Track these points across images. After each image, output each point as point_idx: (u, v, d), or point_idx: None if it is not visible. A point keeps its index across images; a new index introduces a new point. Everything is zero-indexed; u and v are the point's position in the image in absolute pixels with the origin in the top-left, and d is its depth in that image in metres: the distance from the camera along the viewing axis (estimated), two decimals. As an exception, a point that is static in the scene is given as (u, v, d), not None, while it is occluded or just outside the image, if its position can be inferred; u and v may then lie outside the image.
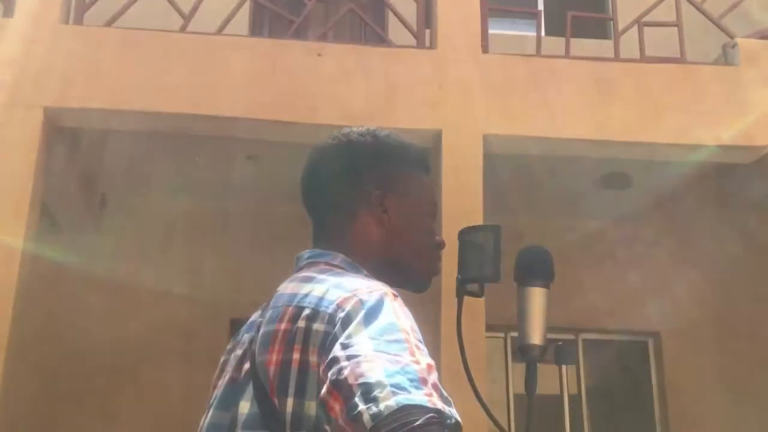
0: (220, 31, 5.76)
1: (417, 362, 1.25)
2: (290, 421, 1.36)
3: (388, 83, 5.69)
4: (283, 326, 1.42)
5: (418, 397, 1.19)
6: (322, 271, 1.52)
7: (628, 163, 6.33)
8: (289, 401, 1.36)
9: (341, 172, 1.66)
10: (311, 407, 1.33)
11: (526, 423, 1.89)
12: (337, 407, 1.23)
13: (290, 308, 1.44)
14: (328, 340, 1.34)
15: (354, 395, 1.21)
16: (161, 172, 6.65)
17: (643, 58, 6.07)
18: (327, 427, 1.27)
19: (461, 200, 5.54)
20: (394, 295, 1.42)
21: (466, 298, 1.90)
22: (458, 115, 5.70)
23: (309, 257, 1.61)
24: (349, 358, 1.26)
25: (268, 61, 5.70)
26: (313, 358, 1.35)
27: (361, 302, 1.37)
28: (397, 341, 1.28)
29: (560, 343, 2.08)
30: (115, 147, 6.23)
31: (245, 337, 1.56)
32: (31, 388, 6.35)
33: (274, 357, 1.40)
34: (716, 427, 6.95)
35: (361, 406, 1.19)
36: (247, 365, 1.47)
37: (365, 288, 1.41)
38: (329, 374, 1.27)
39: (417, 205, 1.68)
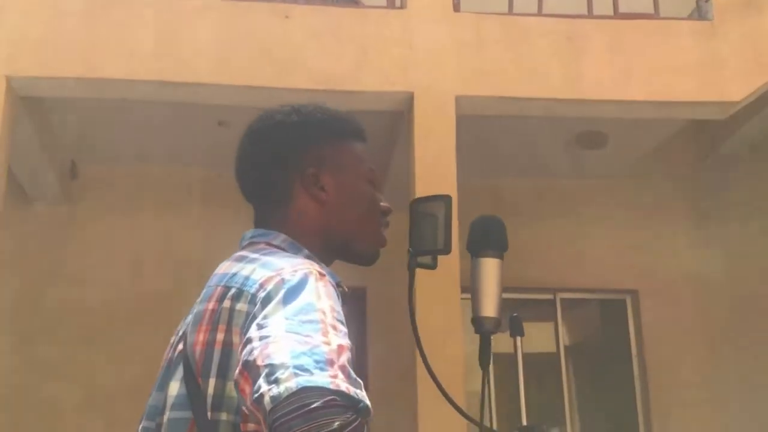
0: (186, -6, 5.64)
1: (327, 343, 1.22)
2: (211, 403, 1.34)
3: (358, 45, 5.61)
4: (210, 306, 1.40)
5: (321, 378, 1.16)
6: (257, 251, 1.49)
7: (603, 122, 6.28)
8: (211, 382, 1.34)
9: (272, 155, 1.60)
10: (232, 389, 1.30)
11: (481, 396, 1.85)
12: (246, 389, 1.21)
13: (219, 288, 1.42)
14: (248, 320, 1.31)
15: (259, 376, 1.18)
16: (132, 140, 6.56)
17: (617, 15, 6.00)
18: (243, 408, 1.23)
19: (434, 163, 5.50)
20: (321, 275, 1.38)
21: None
22: (429, 77, 5.63)
23: (251, 237, 1.57)
24: (261, 338, 1.23)
25: (236, 24, 5.60)
26: (236, 339, 1.33)
27: (283, 281, 1.34)
28: (311, 321, 1.25)
29: (515, 315, 2.04)
30: (85, 115, 6.14)
31: (188, 318, 1.52)
32: (9, 356, 6.32)
33: (201, 337, 1.38)
34: (693, 374, 7.01)
35: (264, 388, 1.16)
36: (180, 346, 1.44)
37: (290, 267, 1.38)
38: (242, 355, 1.24)
39: (353, 175, 1.63)
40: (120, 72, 5.36)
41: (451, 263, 5.30)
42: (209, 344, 1.37)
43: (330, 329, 1.25)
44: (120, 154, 6.74)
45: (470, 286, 1.83)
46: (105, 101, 5.70)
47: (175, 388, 1.40)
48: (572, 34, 5.89)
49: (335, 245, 1.59)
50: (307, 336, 1.22)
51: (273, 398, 1.14)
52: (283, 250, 1.51)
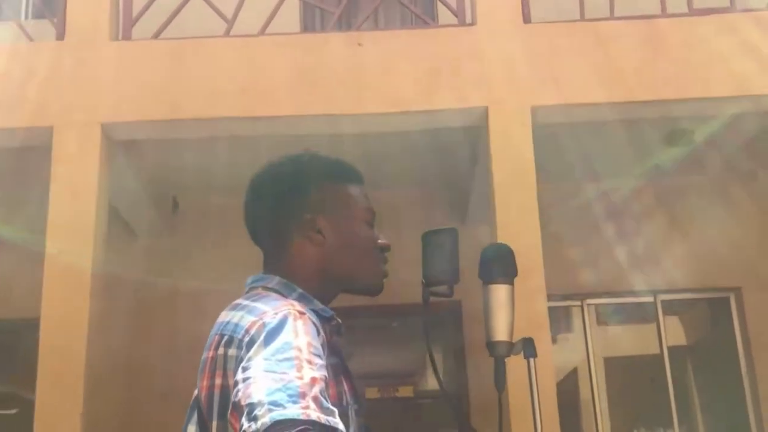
0: (262, 31, 5.86)
1: (300, 377, 1.37)
2: None
3: (431, 65, 5.70)
4: (210, 354, 1.58)
5: (293, 411, 1.31)
6: (249, 297, 1.65)
7: (689, 120, 6.19)
8: (214, 424, 1.53)
9: (271, 203, 1.77)
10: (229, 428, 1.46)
11: (498, 419, 1.93)
12: (237, 427, 1.36)
13: (216, 336, 1.61)
14: (237, 364, 1.48)
15: (242, 415, 1.33)
16: (225, 172, 6.83)
17: (692, 11, 5.91)
18: None
19: (514, 176, 5.54)
20: (300, 313, 1.54)
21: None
22: (504, 90, 5.67)
23: (251, 283, 1.73)
24: (244, 380, 1.39)
25: (311, 56, 5.78)
26: (230, 382, 1.49)
27: (264, 325, 1.50)
28: (287, 359, 1.40)
29: (528, 337, 2.11)
30: (180, 153, 6.45)
31: None
32: (119, 389, 6.67)
33: (205, 383, 1.57)
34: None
35: (245, 425, 1.31)
36: (195, 391, 1.59)
37: (272, 310, 1.54)
38: (231, 397, 1.41)
39: (349, 218, 1.77)
40: (205, 111, 5.62)
41: (535, 269, 5.33)
42: (210, 389, 1.55)
43: (305, 364, 1.41)
44: (216, 185, 7.03)
45: (483, 313, 1.92)
46: (197, 141, 5.98)
47: (191, 430, 1.60)
48: (647, 35, 5.84)
49: (338, 282, 1.76)
50: (283, 373, 1.38)
51: None
52: (277, 291, 1.65)
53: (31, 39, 5.93)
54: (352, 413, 1.65)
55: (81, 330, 5.23)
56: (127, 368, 6.77)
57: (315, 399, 1.33)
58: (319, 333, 1.54)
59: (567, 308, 7.50)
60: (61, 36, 5.80)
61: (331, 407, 1.36)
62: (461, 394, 7.36)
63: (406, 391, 7.56)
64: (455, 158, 6.55)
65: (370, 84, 5.71)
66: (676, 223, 7.24)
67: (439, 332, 8.10)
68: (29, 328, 5.39)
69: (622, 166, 6.81)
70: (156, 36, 5.85)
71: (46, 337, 5.22)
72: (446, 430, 7.00)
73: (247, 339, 1.49)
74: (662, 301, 7.37)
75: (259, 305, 1.58)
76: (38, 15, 6.35)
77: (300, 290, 1.69)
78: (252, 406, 1.32)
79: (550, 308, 6.05)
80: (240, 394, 1.36)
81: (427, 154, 6.73)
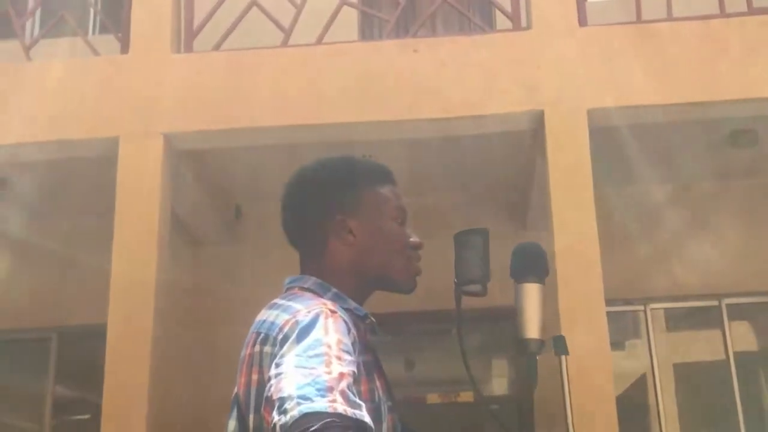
0: (319, 41, 5.96)
1: (329, 372, 1.42)
2: None
3: (485, 70, 5.73)
4: (248, 351, 1.65)
5: (320, 404, 1.35)
6: (285, 297, 1.72)
7: (748, 121, 6.10)
8: (251, 418, 1.59)
9: (304, 207, 1.83)
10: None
11: (529, 417, 1.95)
12: (269, 420, 1.41)
13: (253, 334, 1.67)
14: (271, 360, 1.54)
15: (274, 409, 1.39)
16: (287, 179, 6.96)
17: (752, 10, 5.82)
18: None
19: (570, 179, 5.52)
20: (332, 312, 1.60)
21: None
22: (559, 93, 5.67)
23: (288, 283, 1.80)
24: (276, 375, 1.45)
25: (369, 63, 5.85)
26: (266, 377, 1.54)
27: (297, 323, 1.56)
28: (317, 355, 1.46)
29: (559, 335, 2.13)
30: (241, 161, 6.58)
31: None
32: (183, 394, 6.81)
33: (243, 379, 1.65)
34: None
35: (275, 419, 1.37)
36: (235, 388, 1.66)
37: (305, 309, 1.60)
38: (265, 392, 1.47)
39: (379, 218, 1.83)
40: (264, 120, 5.74)
41: (593, 276, 5.31)
42: (248, 385, 1.63)
43: (334, 360, 1.46)
44: (278, 193, 7.15)
45: (514, 311, 1.95)
46: (256, 149, 6.10)
47: (231, 426, 1.67)
48: (705, 35, 5.78)
49: (371, 281, 1.82)
50: (312, 369, 1.43)
51: (282, 427, 1.36)
52: (312, 291, 1.71)
53: (97, 53, 6.10)
54: (384, 409, 1.70)
55: (146, 336, 5.37)
56: (192, 374, 6.91)
57: (342, 393, 1.38)
58: (350, 331, 1.59)
59: (634, 313, 7.42)
60: (125, 50, 5.98)
61: (358, 401, 1.41)
62: (526, 398, 7.34)
63: (466, 397, 7.55)
64: (513, 163, 6.55)
65: (426, 89, 5.76)
66: (740, 224, 7.12)
67: (503, 335, 8.09)
68: (100, 335, 5.54)
69: (682, 167, 6.73)
70: (216, 48, 6.00)
71: (112, 343, 5.38)
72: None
73: (281, 336, 1.56)
74: (727, 305, 7.23)
75: (294, 304, 1.65)
76: (104, 30, 6.52)
77: (334, 290, 1.76)
78: (282, 400, 1.37)
79: (614, 313, 6.01)
80: (272, 389, 1.42)
81: (484, 159, 6.74)
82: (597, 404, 4.95)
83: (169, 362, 5.78)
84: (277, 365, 1.47)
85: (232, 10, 6.06)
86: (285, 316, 1.60)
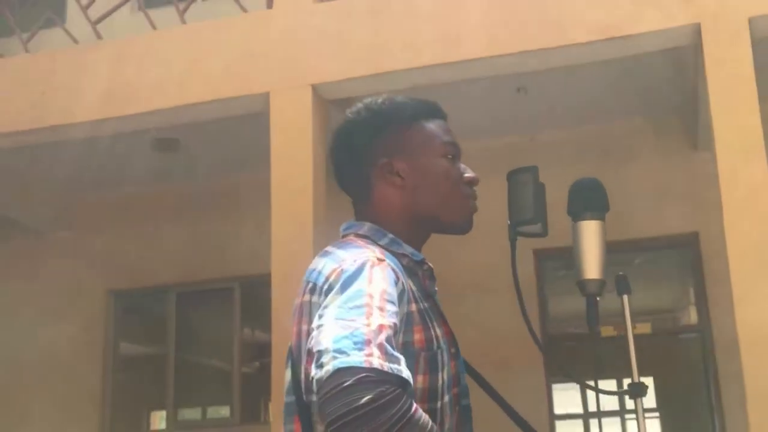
0: (457, -25, 5.82)
1: (368, 325, 1.37)
2: (304, 387, 1.57)
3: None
4: (299, 300, 1.62)
5: (356, 358, 1.31)
6: (337, 244, 1.68)
7: None
8: (302, 368, 1.56)
9: (349, 152, 1.78)
10: None
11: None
12: (308, 373, 1.41)
13: (304, 283, 1.63)
14: (317, 310, 1.50)
15: (312, 361, 1.37)
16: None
17: None
18: None
19: (732, 94, 5.15)
20: (379, 260, 1.54)
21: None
22: (716, 3, 5.26)
23: (344, 230, 1.77)
24: (318, 327, 1.42)
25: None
26: (311, 328, 1.50)
27: (342, 272, 1.51)
28: (358, 307, 1.41)
29: (621, 273, 1.98)
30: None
31: None
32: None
33: (295, 329, 1.62)
34: None
35: (312, 372, 1.35)
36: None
37: (351, 258, 1.55)
38: (308, 342, 1.45)
39: (427, 155, 1.74)
40: (405, 63, 5.69)
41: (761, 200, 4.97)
42: (299, 335, 1.60)
43: (375, 311, 1.42)
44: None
45: (572, 250, 1.83)
46: (403, 92, 6.06)
47: (287, 375, 1.66)
48: None
49: (424, 223, 1.75)
50: (352, 320, 1.39)
51: (317, 381, 1.34)
52: (367, 237, 1.67)
53: (245, 10, 6.25)
54: (445, 357, 1.64)
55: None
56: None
57: (380, 346, 1.34)
58: (398, 280, 1.54)
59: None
60: (270, 4, 6.09)
61: (397, 354, 1.37)
62: (704, 329, 7.03)
63: (643, 328, 7.31)
64: (676, 83, 6.19)
65: (572, 14, 5.51)
66: None
67: (679, 266, 7.75)
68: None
69: None
70: (356, -8, 5.99)
71: (276, 292, 5.57)
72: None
73: (326, 286, 1.52)
74: None
75: (341, 253, 1.60)
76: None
77: (390, 235, 1.70)
78: (320, 354, 1.35)
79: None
80: (312, 341, 1.40)
81: (645, 81, 6.41)
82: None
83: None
84: (320, 316, 1.44)
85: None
86: (332, 265, 1.56)
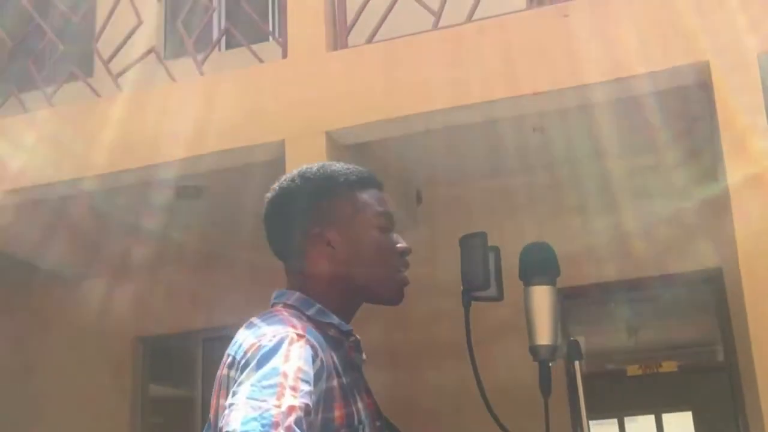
0: (468, 19, 5.89)
1: (278, 406, 1.38)
2: None
3: (645, 25, 5.42)
4: (219, 372, 1.65)
5: None
6: (262, 316, 1.71)
7: None
8: None
9: (281, 220, 1.80)
10: None
11: (545, 426, 1.84)
12: None
13: (225, 356, 1.66)
14: (233, 386, 1.51)
15: None
16: (458, 160, 6.99)
17: None
18: None
19: (742, 130, 5.12)
20: (299, 336, 1.55)
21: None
22: (725, 40, 5.26)
23: (274, 298, 1.79)
24: (229, 406, 1.43)
25: (517, 35, 5.72)
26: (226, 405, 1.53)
27: (259, 348, 1.53)
28: (270, 386, 1.42)
29: (572, 338, 2.00)
30: (412, 147, 6.66)
31: None
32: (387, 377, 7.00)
33: (214, 401, 1.64)
34: None
35: None
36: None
37: (271, 333, 1.57)
38: (220, 420, 1.45)
39: (359, 226, 1.76)
40: (418, 107, 5.75)
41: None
42: (216, 408, 1.61)
43: (287, 391, 1.42)
44: (450, 174, 7.19)
45: (525, 316, 1.85)
46: (418, 135, 6.13)
47: None
48: None
49: (355, 293, 1.76)
50: (263, 401, 1.40)
51: None
52: (295, 308, 1.69)
53: (261, 61, 6.37)
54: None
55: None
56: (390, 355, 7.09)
57: (288, 429, 1.35)
58: (316, 357, 1.55)
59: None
60: (285, 54, 6.20)
61: None
62: (731, 365, 6.94)
63: (669, 366, 7.24)
64: (689, 119, 6.18)
65: (586, 54, 5.53)
66: None
67: (703, 302, 7.68)
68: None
69: None
70: (369, 40, 6.07)
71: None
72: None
73: (243, 362, 1.54)
74: None
75: (263, 327, 1.62)
76: (262, 38, 6.80)
77: (318, 305, 1.72)
78: None
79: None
80: (223, 420, 1.41)
81: (661, 118, 6.41)
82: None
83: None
84: (233, 393, 1.46)
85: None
86: (251, 340, 1.58)
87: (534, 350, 1.89)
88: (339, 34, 6.17)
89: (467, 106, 5.74)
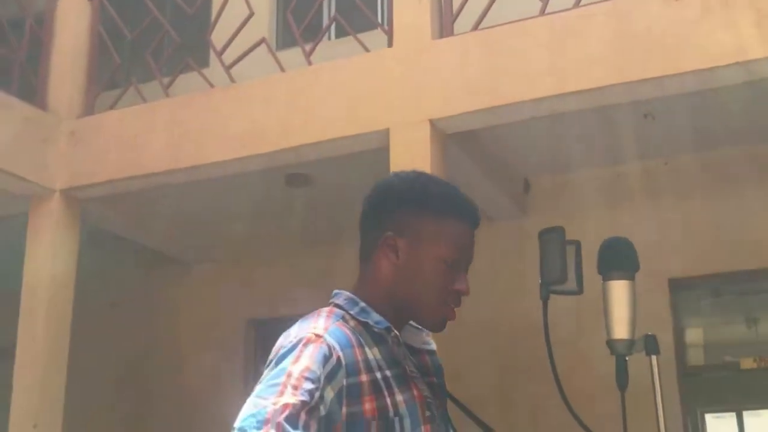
0: (576, 5, 5.79)
1: (275, 404, 1.44)
2: None
3: (753, 11, 5.20)
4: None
5: None
6: (308, 315, 1.75)
7: None
8: None
9: (369, 214, 1.83)
10: None
11: (623, 419, 1.81)
12: None
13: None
14: None
15: None
16: (566, 148, 6.89)
17: None
18: None
19: None
20: (316, 336, 1.60)
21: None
22: None
23: (331, 297, 1.83)
24: (246, 401, 1.51)
25: (624, 21, 5.58)
26: None
27: (281, 349, 1.61)
28: (275, 385, 1.49)
29: (649, 333, 1.95)
30: (521, 134, 6.61)
31: None
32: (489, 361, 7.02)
33: None
34: None
35: None
36: None
37: (295, 334, 1.64)
38: None
39: (429, 251, 1.76)
40: (520, 95, 5.70)
41: None
42: None
43: (288, 389, 1.48)
44: (559, 162, 7.09)
45: (603, 309, 1.82)
46: (520, 123, 6.08)
47: None
48: None
49: (399, 305, 1.79)
50: (265, 398, 1.47)
51: None
52: (340, 307, 1.74)
53: (367, 50, 6.42)
54: (406, 423, 1.66)
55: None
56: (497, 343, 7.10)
57: (278, 425, 1.40)
58: (330, 356, 1.58)
59: None
60: (390, 43, 6.24)
61: None
62: None
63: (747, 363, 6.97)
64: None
65: (690, 40, 5.37)
66: None
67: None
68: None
69: None
70: (475, 28, 6.04)
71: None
72: None
73: (269, 362, 1.62)
74: None
75: (295, 328, 1.70)
76: (371, 27, 6.85)
77: (362, 304, 1.76)
78: (233, 430, 1.44)
79: None
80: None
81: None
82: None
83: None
84: (253, 390, 1.53)
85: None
86: (280, 341, 1.66)
87: (611, 344, 1.88)
88: (444, 21, 6.17)
89: (574, 93, 5.65)
